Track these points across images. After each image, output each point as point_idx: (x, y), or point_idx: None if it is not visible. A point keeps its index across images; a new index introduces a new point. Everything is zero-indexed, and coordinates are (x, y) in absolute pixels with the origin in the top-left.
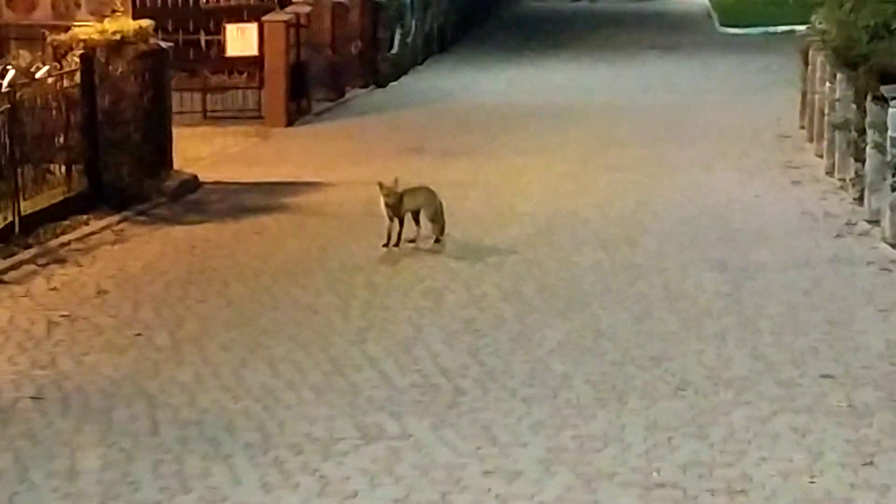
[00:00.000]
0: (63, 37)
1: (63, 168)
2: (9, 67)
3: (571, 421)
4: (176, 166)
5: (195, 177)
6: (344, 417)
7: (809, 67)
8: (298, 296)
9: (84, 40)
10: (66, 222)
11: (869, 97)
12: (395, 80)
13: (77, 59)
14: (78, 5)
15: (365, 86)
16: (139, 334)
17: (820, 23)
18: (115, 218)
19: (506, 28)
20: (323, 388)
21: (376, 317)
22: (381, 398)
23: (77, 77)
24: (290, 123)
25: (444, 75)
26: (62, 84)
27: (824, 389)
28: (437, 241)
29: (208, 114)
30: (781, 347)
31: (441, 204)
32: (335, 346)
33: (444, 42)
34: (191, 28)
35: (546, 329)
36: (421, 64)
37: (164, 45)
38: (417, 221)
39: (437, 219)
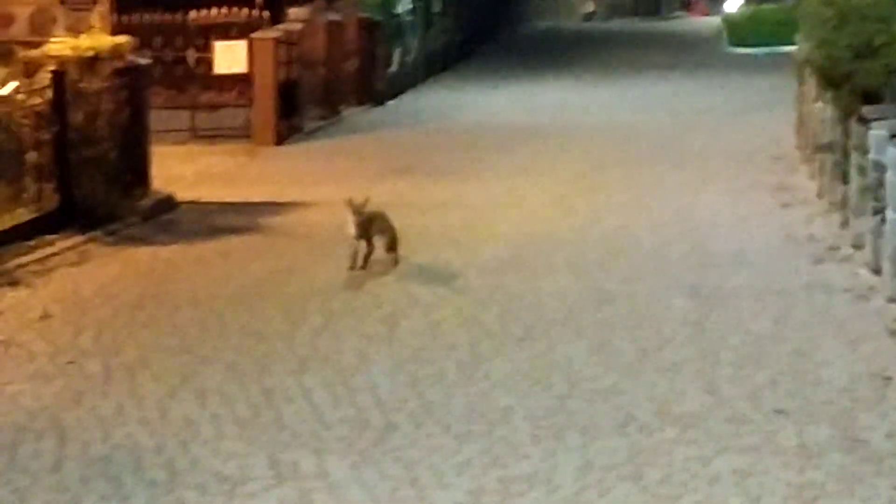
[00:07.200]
0: (34, 53)
1: (34, 186)
2: None
3: (501, 460)
4: (157, 186)
5: (171, 196)
6: (261, 455)
7: (805, 86)
8: (247, 321)
9: (55, 57)
10: (33, 242)
11: (853, 118)
12: (393, 98)
13: (48, 76)
14: (55, 21)
15: (361, 104)
16: (71, 362)
17: (803, 41)
18: (82, 238)
19: (513, 47)
20: (248, 421)
21: (322, 345)
22: (306, 433)
23: (47, 94)
24: (279, 142)
25: (445, 94)
26: (32, 101)
27: (776, 427)
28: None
29: (198, 132)
30: (738, 380)
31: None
32: (272, 375)
33: (447, 61)
34: (179, 45)
35: (497, 359)
36: (423, 82)
37: (142, 61)
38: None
39: (394, 245)
